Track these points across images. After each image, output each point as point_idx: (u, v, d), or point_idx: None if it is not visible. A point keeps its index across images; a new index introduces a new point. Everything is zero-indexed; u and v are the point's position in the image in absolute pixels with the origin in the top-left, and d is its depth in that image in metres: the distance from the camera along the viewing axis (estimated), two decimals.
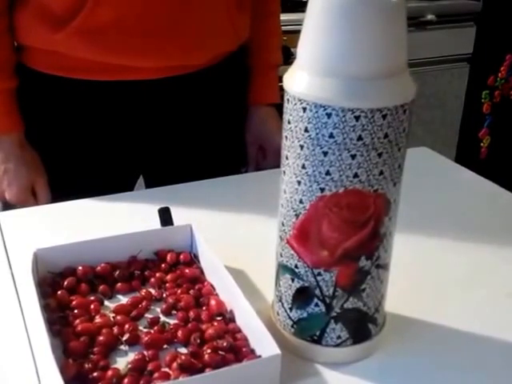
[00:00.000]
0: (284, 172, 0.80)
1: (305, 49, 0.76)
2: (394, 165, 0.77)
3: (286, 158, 0.79)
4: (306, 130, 0.75)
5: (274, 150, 1.41)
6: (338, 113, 0.72)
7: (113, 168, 1.38)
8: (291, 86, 0.76)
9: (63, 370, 0.75)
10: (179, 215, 1.04)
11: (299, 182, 0.78)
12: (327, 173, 0.75)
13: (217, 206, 1.19)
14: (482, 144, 3.25)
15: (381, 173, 0.76)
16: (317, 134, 0.74)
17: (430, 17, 2.86)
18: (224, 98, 1.42)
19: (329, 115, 0.73)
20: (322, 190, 0.76)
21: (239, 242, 1.08)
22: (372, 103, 0.72)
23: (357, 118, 0.72)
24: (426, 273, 1.03)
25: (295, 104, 0.75)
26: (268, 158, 1.48)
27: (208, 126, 1.41)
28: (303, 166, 0.77)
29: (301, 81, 0.75)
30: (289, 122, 0.77)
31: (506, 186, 1.30)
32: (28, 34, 1.27)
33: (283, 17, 1.51)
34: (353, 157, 0.74)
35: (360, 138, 0.73)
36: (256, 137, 1.49)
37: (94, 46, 1.23)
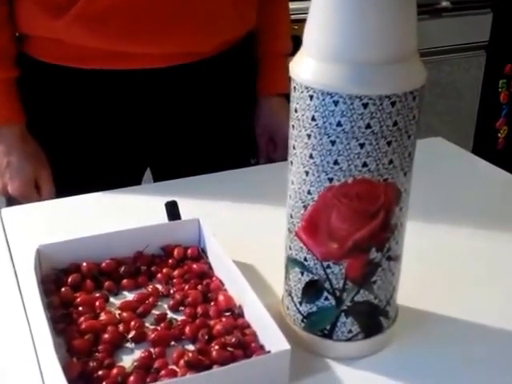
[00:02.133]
0: (291, 162, 0.78)
1: (311, 35, 0.74)
2: (404, 153, 0.74)
3: (294, 148, 0.77)
4: (313, 119, 0.73)
5: (284, 141, 1.37)
6: (345, 100, 0.70)
7: (119, 161, 1.37)
8: (297, 74, 0.74)
9: (67, 369, 0.73)
10: (187, 209, 1.03)
11: (307, 173, 0.76)
12: (335, 162, 0.73)
13: (225, 199, 1.18)
14: (499, 134, 3.22)
15: (390, 162, 0.73)
16: (324, 122, 0.72)
17: (445, 4, 2.83)
18: (233, 87, 1.40)
19: (336, 103, 0.71)
20: (331, 180, 0.74)
21: (248, 236, 1.06)
22: (380, 90, 0.70)
23: (365, 106, 0.70)
24: (440, 265, 1.01)
25: (302, 92, 0.73)
26: (278, 150, 1.46)
27: (216, 116, 1.39)
28: (311, 156, 0.75)
29: (307, 68, 0.73)
30: (296, 111, 0.75)
31: None
32: (29, 22, 1.26)
33: (293, 5, 1.49)
34: (361, 145, 0.72)
35: (368, 126, 0.71)
36: (266, 128, 1.47)
37: (96, 33, 1.21)
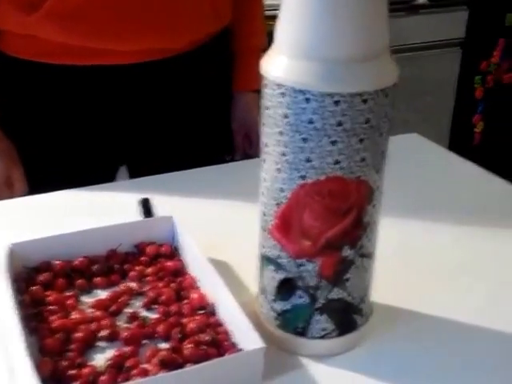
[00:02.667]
0: (264, 160, 0.78)
1: (282, 32, 0.73)
2: (377, 151, 0.74)
3: (266, 146, 0.77)
4: (285, 116, 0.72)
5: (259, 138, 1.38)
6: (316, 98, 0.70)
7: (92, 158, 1.36)
8: (269, 71, 0.74)
9: (39, 369, 0.72)
10: (161, 206, 1.02)
11: (279, 170, 0.75)
12: (308, 160, 0.73)
13: (200, 196, 1.17)
14: (475, 130, 3.24)
15: (363, 159, 0.73)
16: (296, 119, 0.72)
17: (421, 0, 2.84)
18: (208, 83, 1.40)
19: (307, 100, 0.70)
20: (303, 177, 0.74)
21: (222, 233, 1.05)
22: (351, 87, 0.70)
23: (336, 103, 0.70)
24: (414, 261, 1.01)
25: (273, 89, 0.73)
26: (254, 146, 1.46)
27: (192, 112, 1.39)
28: (283, 154, 0.74)
29: (279, 65, 0.73)
30: (267, 108, 0.75)
31: (500, 172, 1.28)
32: (2, 17, 1.25)
33: (269, 1, 1.48)
34: (333, 143, 0.72)
35: (340, 124, 0.71)
36: (241, 124, 1.47)
37: (68, 29, 1.20)
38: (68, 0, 1.18)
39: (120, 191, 1.19)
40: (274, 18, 1.53)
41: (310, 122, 0.71)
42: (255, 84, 1.42)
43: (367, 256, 0.80)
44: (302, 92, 0.70)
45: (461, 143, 3.15)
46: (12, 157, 1.30)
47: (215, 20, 1.34)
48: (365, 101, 0.70)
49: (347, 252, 0.77)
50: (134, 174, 1.43)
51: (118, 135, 1.36)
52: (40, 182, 1.29)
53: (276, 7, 1.68)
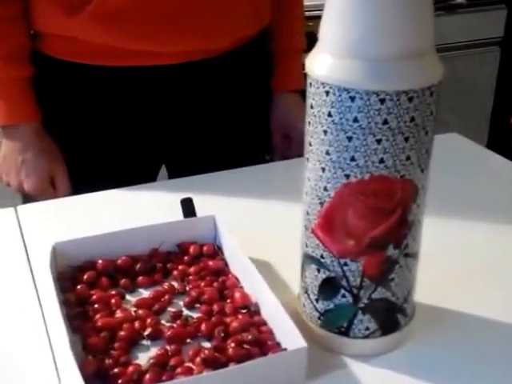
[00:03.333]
0: (308, 159, 0.78)
1: (327, 30, 0.73)
2: (422, 149, 0.74)
3: (310, 145, 0.77)
4: (330, 115, 0.72)
5: (299, 138, 1.37)
6: (362, 96, 0.70)
7: (134, 157, 1.36)
8: (313, 69, 0.74)
9: (83, 367, 0.73)
10: (203, 206, 1.02)
11: (323, 169, 0.75)
12: (352, 159, 0.73)
13: (240, 196, 1.17)
14: None
15: (408, 158, 0.73)
16: (341, 118, 0.72)
17: (459, 0, 2.81)
18: (247, 84, 1.40)
19: (353, 99, 0.70)
20: (347, 176, 0.73)
21: (264, 232, 1.05)
22: (397, 85, 0.69)
23: (382, 101, 0.70)
24: (457, 262, 1.00)
25: (318, 88, 0.73)
26: (293, 147, 1.45)
27: (231, 113, 1.39)
28: (327, 152, 0.74)
29: (323, 63, 0.72)
30: (312, 107, 0.75)
31: None
32: (43, 19, 1.26)
33: (308, 2, 1.48)
34: (378, 141, 0.71)
35: (386, 122, 0.70)
36: (280, 125, 1.46)
37: (110, 31, 1.21)
38: (110, 3, 1.18)
39: (161, 191, 1.19)
40: (312, 18, 1.54)
41: (355, 120, 0.71)
42: (294, 84, 1.44)
43: (411, 256, 0.79)
44: (346, 90, 0.70)
45: (499, 143, 3.12)
46: (56, 156, 1.31)
47: (255, 21, 1.34)
48: (410, 99, 0.70)
49: (391, 251, 0.77)
50: (174, 174, 1.43)
51: (158, 135, 1.36)
52: (83, 182, 1.30)
53: (315, 7, 1.69)
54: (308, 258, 0.81)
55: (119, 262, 0.93)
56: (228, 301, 0.88)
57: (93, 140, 1.33)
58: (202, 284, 0.91)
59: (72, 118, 1.32)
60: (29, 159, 1.28)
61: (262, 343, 0.80)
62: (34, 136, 1.29)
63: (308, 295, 0.83)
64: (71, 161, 1.33)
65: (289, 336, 0.78)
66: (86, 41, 1.22)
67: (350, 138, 0.72)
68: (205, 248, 0.97)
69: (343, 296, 0.79)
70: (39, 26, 1.27)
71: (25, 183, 1.29)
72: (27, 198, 1.31)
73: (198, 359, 0.77)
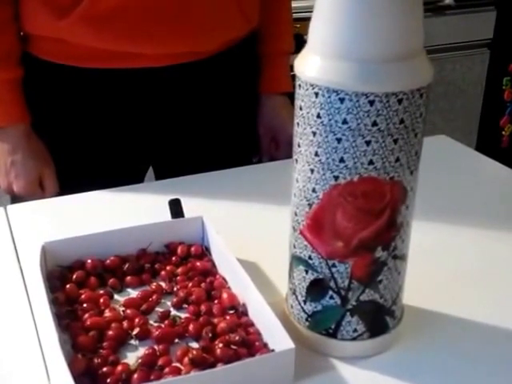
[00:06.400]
0: (296, 160, 0.78)
1: (317, 31, 0.73)
2: (411, 151, 0.74)
3: (299, 146, 0.77)
4: (319, 116, 0.72)
5: (286, 140, 1.38)
6: (351, 97, 0.70)
7: (122, 159, 1.37)
8: (302, 71, 0.74)
9: (72, 366, 0.73)
10: (190, 207, 1.02)
11: (312, 171, 0.75)
12: (341, 160, 0.73)
13: (228, 197, 1.17)
14: (503, 132, 3.21)
15: (397, 160, 0.73)
16: (330, 119, 0.72)
17: (448, 1, 2.82)
18: (235, 86, 1.40)
19: (342, 100, 0.70)
20: (336, 178, 0.74)
21: (251, 233, 1.06)
22: (387, 87, 0.70)
23: (371, 103, 0.70)
24: (446, 264, 1.00)
25: (307, 89, 0.73)
26: (281, 149, 1.46)
27: (219, 114, 1.39)
28: (316, 154, 0.74)
29: (312, 65, 0.72)
30: (300, 108, 0.75)
31: None
32: (33, 21, 1.26)
33: (295, 3, 1.48)
34: (367, 143, 0.71)
35: (375, 124, 0.71)
36: (268, 127, 1.46)
37: (99, 34, 1.21)
38: (99, 5, 1.18)
39: (149, 192, 1.19)
40: (300, 20, 1.54)
41: (344, 121, 0.71)
42: (282, 87, 1.44)
43: (400, 257, 0.79)
44: (336, 92, 0.70)
45: (488, 146, 3.13)
46: (44, 158, 1.32)
47: (244, 23, 1.34)
48: (400, 101, 0.70)
49: (380, 253, 0.77)
50: (161, 175, 1.43)
51: (146, 136, 1.36)
52: (71, 183, 1.30)
53: (303, 9, 1.69)
54: (296, 260, 0.81)
55: (108, 261, 0.93)
56: (216, 301, 0.88)
57: (81, 141, 1.33)
58: (190, 284, 0.91)
59: (61, 120, 1.32)
60: (18, 161, 1.29)
61: (249, 344, 0.80)
62: (24, 138, 1.29)
63: (296, 296, 0.83)
64: (59, 162, 1.33)
65: (276, 337, 0.78)
66: (75, 43, 1.22)
67: (339, 140, 0.72)
68: (193, 249, 0.97)
69: (331, 298, 0.79)
70: (29, 28, 1.27)
71: (14, 184, 1.30)
72: (15, 199, 1.32)
73: (185, 359, 0.77)
